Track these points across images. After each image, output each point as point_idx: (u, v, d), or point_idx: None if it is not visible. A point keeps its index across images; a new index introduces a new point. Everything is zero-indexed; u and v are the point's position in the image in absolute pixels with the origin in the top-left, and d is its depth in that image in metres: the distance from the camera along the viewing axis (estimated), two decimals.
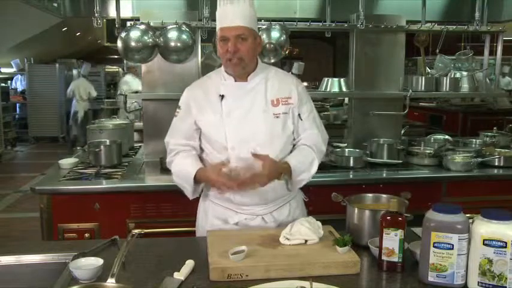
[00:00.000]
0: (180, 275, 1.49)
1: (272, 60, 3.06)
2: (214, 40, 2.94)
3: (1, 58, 10.91)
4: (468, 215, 1.46)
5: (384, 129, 3.35)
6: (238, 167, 1.83)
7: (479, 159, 3.01)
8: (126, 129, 3.49)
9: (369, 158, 3.07)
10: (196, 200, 2.04)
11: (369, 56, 3.33)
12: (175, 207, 2.55)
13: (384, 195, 1.93)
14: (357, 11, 3.14)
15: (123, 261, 1.45)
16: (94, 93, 10.04)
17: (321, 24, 3.26)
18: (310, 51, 12.94)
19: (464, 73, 3.75)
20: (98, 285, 1.38)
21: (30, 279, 1.63)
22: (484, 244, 1.38)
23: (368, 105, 3.35)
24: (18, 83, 12.19)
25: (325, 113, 5.29)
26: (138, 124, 4.11)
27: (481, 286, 1.41)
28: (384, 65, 3.35)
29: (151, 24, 2.98)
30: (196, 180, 1.88)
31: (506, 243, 1.35)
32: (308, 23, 3.23)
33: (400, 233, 1.53)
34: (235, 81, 1.90)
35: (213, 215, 1.97)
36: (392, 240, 1.54)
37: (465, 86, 3.62)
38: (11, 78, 12.20)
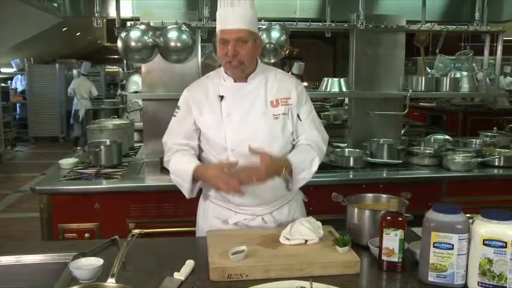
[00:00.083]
0: (180, 275, 1.49)
1: (272, 60, 3.06)
2: (214, 40, 2.92)
3: (1, 58, 10.91)
4: (468, 215, 1.46)
5: (384, 129, 3.35)
6: (238, 163, 1.80)
7: (479, 159, 3.01)
8: (126, 129, 3.49)
9: (369, 158, 3.07)
10: (197, 200, 2.04)
11: (369, 56, 3.33)
12: (176, 207, 2.55)
13: (384, 195, 1.93)
14: (357, 11, 3.14)
15: (123, 261, 1.45)
16: (95, 92, 10.09)
17: (321, 24, 3.25)
18: (310, 51, 12.96)
19: (464, 73, 3.74)
20: (98, 285, 1.38)
21: (30, 279, 1.62)
22: (484, 244, 1.38)
23: (368, 105, 3.35)
24: (18, 83, 12.22)
25: (325, 113, 5.29)
26: (138, 124, 4.11)
27: (481, 286, 1.41)
28: (383, 65, 3.35)
29: (152, 24, 2.97)
30: (195, 177, 1.86)
31: (506, 243, 1.35)
32: (308, 23, 3.22)
33: (400, 233, 1.53)
34: (235, 82, 1.90)
35: (213, 215, 1.97)
36: (392, 240, 1.54)
37: (465, 86, 3.62)
38: (11, 78, 12.24)
